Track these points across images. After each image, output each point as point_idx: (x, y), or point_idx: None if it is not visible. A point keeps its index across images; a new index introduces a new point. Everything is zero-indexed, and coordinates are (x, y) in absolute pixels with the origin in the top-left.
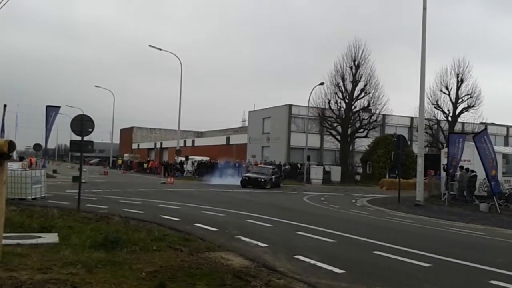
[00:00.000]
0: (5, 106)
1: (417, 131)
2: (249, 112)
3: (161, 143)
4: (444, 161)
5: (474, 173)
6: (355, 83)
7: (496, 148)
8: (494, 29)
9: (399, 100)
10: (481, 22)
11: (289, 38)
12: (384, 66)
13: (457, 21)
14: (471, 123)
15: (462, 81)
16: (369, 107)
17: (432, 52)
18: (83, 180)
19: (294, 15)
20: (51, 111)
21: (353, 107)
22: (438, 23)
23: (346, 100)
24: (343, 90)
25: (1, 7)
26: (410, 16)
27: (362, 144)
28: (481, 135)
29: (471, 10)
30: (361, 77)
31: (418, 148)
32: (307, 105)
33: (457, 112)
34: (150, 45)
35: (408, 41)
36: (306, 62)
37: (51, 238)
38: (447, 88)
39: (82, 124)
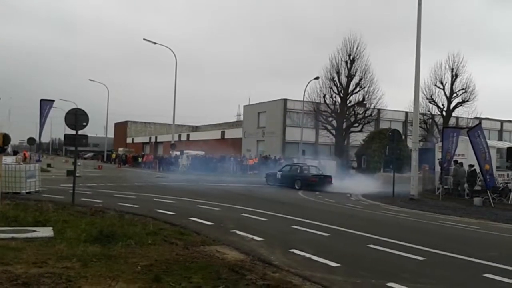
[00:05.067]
0: None
1: (412, 125)
2: (244, 106)
3: (156, 137)
4: (438, 155)
5: (474, 168)
6: (350, 77)
7: (490, 142)
8: (487, 24)
9: (394, 94)
10: (475, 17)
11: (285, 33)
12: (379, 60)
13: (453, 16)
14: (465, 117)
15: (456, 75)
16: (364, 102)
17: (428, 46)
18: (77, 174)
19: (290, 9)
20: (45, 105)
21: (348, 101)
22: (434, 17)
23: (341, 95)
24: (338, 85)
25: None
26: (406, 10)
27: (357, 138)
28: (475, 130)
29: (466, 4)
30: (356, 72)
31: (413, 142)
32: (302, 99)
33: (451, 107)
34: (144, 39)
35: (404, 35)
36: (302, 56)
37: (46, 232)
38: (441, 83)
39: (76, 118)
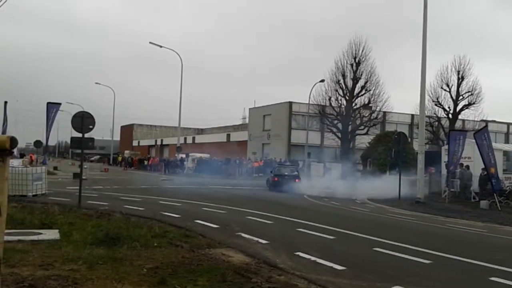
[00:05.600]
0: (5, 103)
1: (418, 128)
2: (250, 109)
3: (162, 140)
4: (444, 158)
5: (486, 172)
6: (355, 80)
7: (497, 145)
8: (495, 25)
9: (400, 97)
10: (483, 18)
11: (290, 35)
12: (385, 63)
13: (460, 17)
14: (472, 120)
15: (462, 78)
16: (370, 104)
17: (434, 49)
18: (83, 177)
19: (295, 11)
20: (52, 108)
21: (353, 104)
22: (441, 19)
23: (347, 97)
24: (344, 87)
25: (1, 5)
26: (413, 12)
27: (363, 141)
28: (481, 133)
29: (474, 6)
30: (361, 74)
31: (419, 145)
32: (307, 102)
33: (457, 109)
34: (150, 42)
35: (410, 38)
36: (307, 59)
37: (52, 234)
38: (447, 85)
39: (83, 121)
